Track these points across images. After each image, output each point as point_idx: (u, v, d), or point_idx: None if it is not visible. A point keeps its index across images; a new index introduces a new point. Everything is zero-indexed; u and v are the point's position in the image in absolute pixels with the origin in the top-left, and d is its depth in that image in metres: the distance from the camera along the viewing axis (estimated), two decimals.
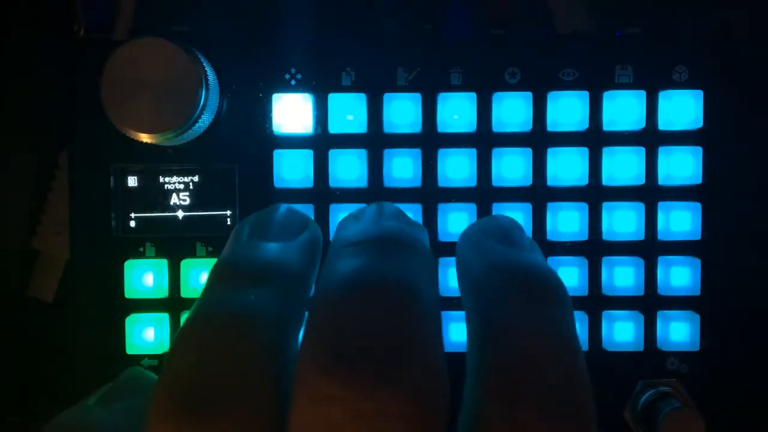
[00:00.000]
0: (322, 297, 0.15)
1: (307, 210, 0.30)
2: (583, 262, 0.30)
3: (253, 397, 0.14)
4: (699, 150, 0.30)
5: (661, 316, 0.30)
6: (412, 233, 0.17)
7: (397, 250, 0.16)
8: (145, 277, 0.30)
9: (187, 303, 0.30)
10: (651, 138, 0.30)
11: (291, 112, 0.30)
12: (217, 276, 0.17)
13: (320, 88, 0.30)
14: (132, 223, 0.30)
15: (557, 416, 0.14)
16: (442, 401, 0.14)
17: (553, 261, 0.30)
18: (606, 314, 0.30)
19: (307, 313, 0.15)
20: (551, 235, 0.30)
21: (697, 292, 0.30)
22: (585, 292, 0.30)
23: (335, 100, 0.30)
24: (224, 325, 0.15)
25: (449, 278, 0.30)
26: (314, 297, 0.15)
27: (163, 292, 0.30)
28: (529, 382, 0.14)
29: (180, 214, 0.30)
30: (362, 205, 0.29)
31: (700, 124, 0.30)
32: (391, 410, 0.13)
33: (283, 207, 0.20)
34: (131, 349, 0.30)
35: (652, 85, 0.30)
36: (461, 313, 0.30)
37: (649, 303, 0.30)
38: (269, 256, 0.17)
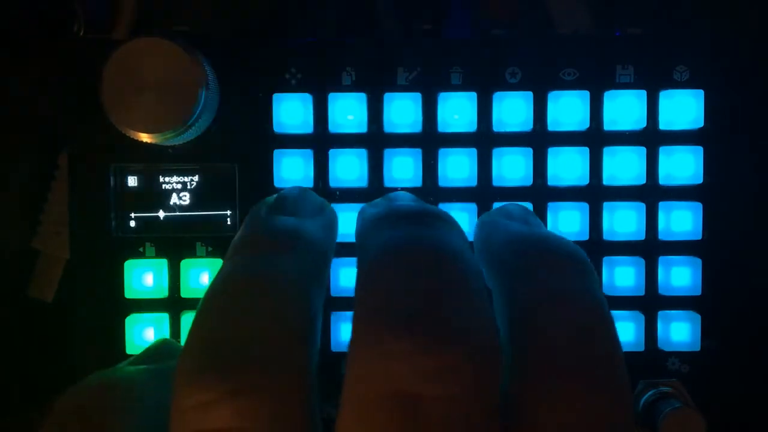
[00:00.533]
0: (373, 262, 0.15)
1: None
2: None
3: (282, 354, 0.14)
4: (700, 150, 0.30)
5: (662, 316, 0.30)
6: (437, 209, 0.18)
7: (430, 220, 0.16)
8: (145, 277, 0.30)
9: (187, 303, 0.30)
10: (652, 138, 0.30)
11: (291, 112, 0.30)
12: (238, 245, 0.17)
13: (320, 88, 0.30)
14: (132, 223, 0.30)
15: (600, 390, 0.14)
16: (498, 357, 0.14)
17: None
18: None
19: (356, 279, 0.15)
20: None
21: (698, 292, 0.30)
22: None
23: (335, 100, 0.30)
24: (250, 285, 0.15)
25: None
26: (362, 265, 0.15)
27: (163, 292, 0.30)
28: (568, 355, 0.14)
29: (180, 214, 0.30)
30: (363, 205, 0.29)
31: (700, 123, 0.30)
32: (454, 366, 0.13)
33: (301, 188, 0.20)
34: (131, 349, 0.30)
35: (653, 84, 0.29)
36: None
37: (650, 303, 0.30)
38: (290, 226, 0.17)
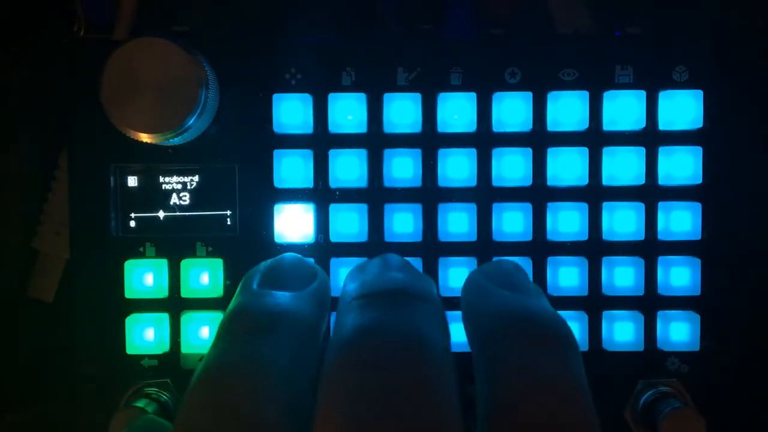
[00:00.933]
0: (334, 353, 0.15)
1: (308, 210, 0.30)
2: (583, 262, 0.30)
3: None
4: (699, 150, 0.30)
5: (661, 316, 0.30)
6: (420, 284, 0.17)
7: (406, 302, 0.16)
8: (145, 277, 0.30)
9: (187, 303, 0.30)
10: (651, 138, 0.30)
11: (291, 112, 0.30)
12: (228, 326, 0.17)
13: (320, 88, 0.30)
14: (132, 223, 0.30)
15: None
16: None
17: (553, 261, 0.30)
18: (606, 314, 0.30)
19: (323, 363, 0.15)
20: (551, 235, 0.30)
21: (697, 292, 0.30)
22: (585, 292, 0.30)
23: (335, 100, 0.30)
24: (237, 380, 0.15)
25: (449, 278, 0.30)
26: (327, 352, 0.15)
27: (163, 292, 0.30)
28: (540, 429, 0.14)
29: (180, 214, 0.30)
30: (363, 206, 0.30)
31: (700, 123, 0.30)
32: None
33: (293, 256, 0.20)
34: (131, 349, 0.30)
35: (652, 84, 0.29)
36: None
37: (650, 303, 0.30)
38: (281, 304, 0.17)
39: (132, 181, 0.30)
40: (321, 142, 0.30)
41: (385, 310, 0.16)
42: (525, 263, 0.30)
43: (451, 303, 0.30)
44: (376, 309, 0.16)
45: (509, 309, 0.17)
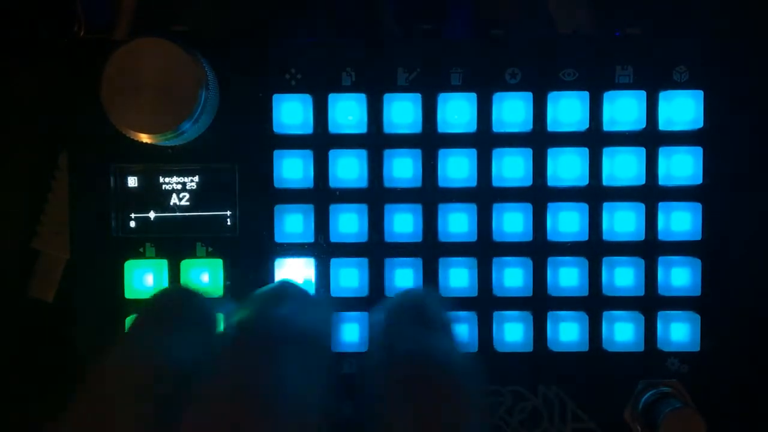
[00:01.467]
0: (193, 407, 0.15)
1: (307, 210, 0.30)
2: (584, 262, 0.30)
3: None
4: (699, 150, 0.30)
5: (662, 316, 0.30)
6: (303, 323, 0.17)
7: (276, 351, 0.16)
8: (145, 277, 0.30)
9: None
10: (651, 138, 0.30)
11: (291, 112, 0.30)
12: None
13: (320, 88, 0.30)
14: (132, 223, 0.30)
15: None
16: None
17: (553, 261, 0.30)
18: (606, 314, 0.30)
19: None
20: (551, 235, 0.30)
21: (698, 293, 0.30)
22: (585, 293, 0.30)
23: (335, 100, 0.30)
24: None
25: (450, 279, 0.30)
26: (192, 399, 0.15)
27: None
28: None
29: (180, 214, 0.30)
30: (363, 206, 0.30)
31: (700, 124, 0.30)
32: None
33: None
34: None
35: (653, 85, 0.29)
36: (460, 314, 0.30)
37: (650, 303, 0.30)
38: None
39: (132, 181, 0.30)
40: (321, 142, 0.30)
41: (251, 362, 0.15)
42: (525, 264, 0.30)
43: (451, 305, 0.30)
44: (242, 364, 0.15)
45: (399, 359, 0.16)
